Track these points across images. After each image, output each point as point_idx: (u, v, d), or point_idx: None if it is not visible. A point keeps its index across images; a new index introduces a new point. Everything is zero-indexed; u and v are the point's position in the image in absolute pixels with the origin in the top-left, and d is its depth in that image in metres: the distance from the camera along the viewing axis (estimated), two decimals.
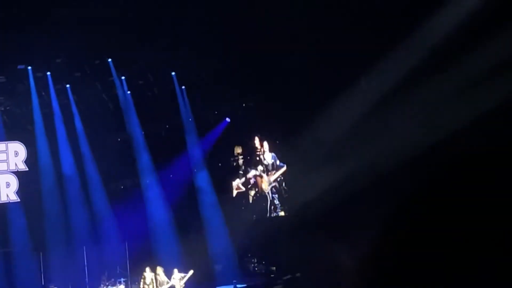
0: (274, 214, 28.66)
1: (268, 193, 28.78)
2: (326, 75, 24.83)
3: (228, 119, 28.81)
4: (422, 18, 22.94)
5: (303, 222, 26.26)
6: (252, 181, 29.20)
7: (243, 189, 28.88)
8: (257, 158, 29.03)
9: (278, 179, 28.75)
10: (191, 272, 25.14)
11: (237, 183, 28.98)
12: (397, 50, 23.81)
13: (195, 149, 28.43)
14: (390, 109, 24.10)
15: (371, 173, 23.95)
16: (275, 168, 28.87)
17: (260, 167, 28.72)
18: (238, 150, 29.17)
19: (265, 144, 28.65)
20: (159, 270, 25.01)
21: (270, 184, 28.71)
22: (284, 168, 28.14)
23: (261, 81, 27.23)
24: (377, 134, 23.98)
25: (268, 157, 28.84)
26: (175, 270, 25.15)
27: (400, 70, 23.74)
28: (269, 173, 28.87)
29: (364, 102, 24.87)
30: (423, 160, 22.09)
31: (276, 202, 28.82)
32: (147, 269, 24.77)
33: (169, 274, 25.20)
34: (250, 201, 29.35)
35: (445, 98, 22.65)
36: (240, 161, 29.20)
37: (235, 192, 28.98)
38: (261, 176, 28.70)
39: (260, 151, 28.81)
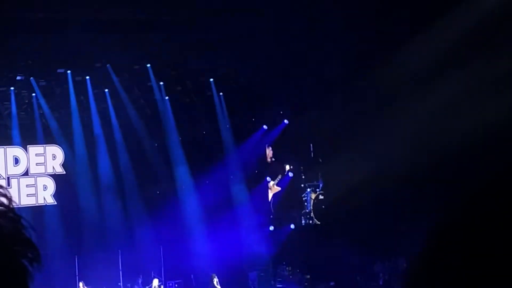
0: (310, 221, 28.62)
1: (305, 200, 28.81)
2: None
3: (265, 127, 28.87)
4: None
5: (337, 230, 26.17)
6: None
7: (279, 188, 29.02)
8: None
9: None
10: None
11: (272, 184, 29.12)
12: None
13: (232, 156, 28.44)
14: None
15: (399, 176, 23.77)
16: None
17: None
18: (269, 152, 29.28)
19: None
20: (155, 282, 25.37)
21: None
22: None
23: (298, 87, 27.25)
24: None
25: None
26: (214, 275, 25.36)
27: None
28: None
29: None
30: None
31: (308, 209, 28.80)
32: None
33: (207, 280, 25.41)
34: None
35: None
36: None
37: (271, 194, 29.04)
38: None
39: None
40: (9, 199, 1.57)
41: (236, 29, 24.72)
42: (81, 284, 24.66)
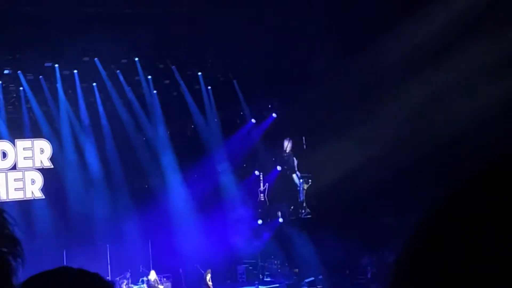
0: (302, 214, 28.64)
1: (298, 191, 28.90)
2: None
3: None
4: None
5: (326, 222, 26.17)
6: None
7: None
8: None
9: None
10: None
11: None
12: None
13: (220, 150, 28.41)
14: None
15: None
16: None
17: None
18: (288, 144, 29.43)
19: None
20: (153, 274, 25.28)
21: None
22: None
23: (287, 80, 27.23)
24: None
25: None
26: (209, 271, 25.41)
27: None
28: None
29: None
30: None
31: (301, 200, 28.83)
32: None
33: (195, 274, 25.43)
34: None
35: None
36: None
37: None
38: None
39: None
40: None
41: (223, 23, 24.68)
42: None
